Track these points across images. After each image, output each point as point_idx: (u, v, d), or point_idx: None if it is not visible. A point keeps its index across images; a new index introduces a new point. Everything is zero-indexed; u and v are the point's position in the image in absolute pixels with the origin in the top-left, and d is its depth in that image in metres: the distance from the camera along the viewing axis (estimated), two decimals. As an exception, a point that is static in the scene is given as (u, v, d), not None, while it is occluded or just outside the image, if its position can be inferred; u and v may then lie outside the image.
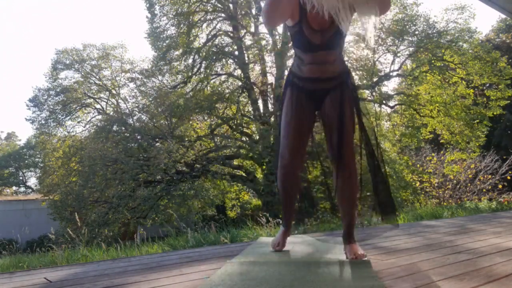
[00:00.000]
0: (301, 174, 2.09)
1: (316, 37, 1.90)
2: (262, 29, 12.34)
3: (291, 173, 1.98)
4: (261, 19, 12.31)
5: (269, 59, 12.27)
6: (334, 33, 1.92)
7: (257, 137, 11.97)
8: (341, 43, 2.02)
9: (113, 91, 14.38)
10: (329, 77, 1.97)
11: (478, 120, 10.67)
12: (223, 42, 12.67)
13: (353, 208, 1.95)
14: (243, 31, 12.43)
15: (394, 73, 11.78)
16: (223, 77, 13.07)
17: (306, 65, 1.98)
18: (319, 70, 1.96)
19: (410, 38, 10.88)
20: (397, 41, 10.90)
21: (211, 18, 12.64)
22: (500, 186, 8.56)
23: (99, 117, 13.93)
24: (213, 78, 12.89)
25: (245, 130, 12.32)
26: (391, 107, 12.34)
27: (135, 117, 12.53)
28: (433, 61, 10.99)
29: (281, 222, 2.22)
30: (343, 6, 1.80)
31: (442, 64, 10.98)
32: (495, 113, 10.81)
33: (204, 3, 12.38)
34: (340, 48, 2.05)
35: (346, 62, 2.18)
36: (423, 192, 9.94)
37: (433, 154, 9.96)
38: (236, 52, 12.10)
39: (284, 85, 2.09)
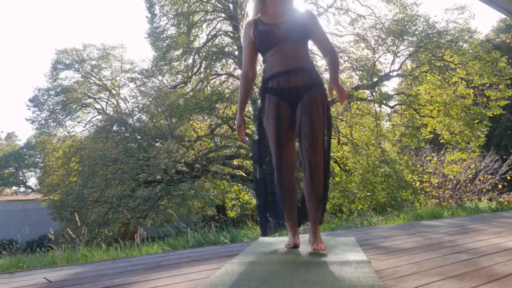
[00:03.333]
0: (297, 177, 2.14)
1: (275, 29, 2.06)
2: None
3: (290, 181, 2.06)
4: None
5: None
6: (291, 26, 2.06)
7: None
8: (304, 38, 2.12)
9: (113, 91, 14.38)
10: (300, 68, 2.04)
11: (478, 120, 10.66)
12: (223, 42, 12.67)
13: (319, 202, 2.04)
14: (243, 31, 12.41)
15: (394, 73, 11.77)
16: (223, 77, 13.06)
17: (273, 59, 2.07)
18: (285, 61, 2.04)
19: (410, 38, 10.87)
20: (397, 41, 10.89)
21: (211, 18, 12.63)
22: (500, 186, 8.56)
23: (99, 117, 13.93)
24: (213, 78, 12.89)
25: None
26: (391, 107, 12.34)
27: (135, 117, 12.53)
28: (433, 61, 10.98)
29: (287, 226, 2.24)
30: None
31: (442, 64, 10.97)
32: (495, 113, 10.79)
33: (204, 3, 12.37)
34: (306, 46, 2.15)
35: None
36: (423, 192, 9.94)
37: (433, 154, 9.96)
38: (236, 52, 12.10)
39: (260, 92, 2.18)
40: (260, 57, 2.22)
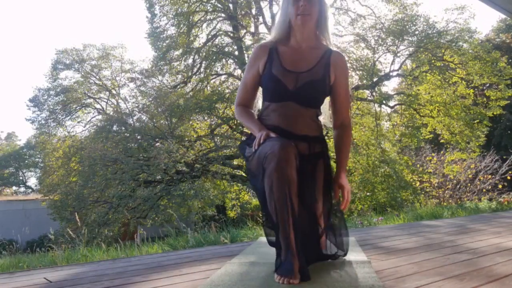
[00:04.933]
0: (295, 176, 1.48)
1: (289, 79, 1.63)
2: (262, 29, 12.36)
3: (286, 166, 1.42)
4: (260, 19, 12.33)
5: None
6: (311, 83, 1.63)
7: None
8: (318, 102, 1.70)
9: (113, 91, 14.39)
10: (305, 137, 1.64)
11: (478, 120, 10.66)
12: (223, 42, 12.68)
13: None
14: (243, 31, 12.43)
15: (394, 73, 11.78)
16: (223, 77, 13.07)
17: (273, 115, 1.67)
18: (289, 123, 1.64)
19: (410, 38, 10.87)
20: (397, 41, 10.89)
21: (211, 18, 12.64)
22: (500, 186, 8.56)
23: (99, 117, 13.95)
24: (213, 78, 12.90)
25: (245, 130, 12.32)
26: (391, 107, 12.34)
27: (135, 117, 12.54)
28: (433, 61, 10.98)
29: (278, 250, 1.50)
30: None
31: (442, 64, 10.97)
32: (495, 113, 10.80)
33: (204, 3, 12.38)
34: (318, 113, 1.72)
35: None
36: (423, 192, 9.94)
37: (433, 154, 9.96)
38: (236, 52, 12.11)
39: (246, 142, 1.73)
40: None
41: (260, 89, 1.78)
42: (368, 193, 10.61)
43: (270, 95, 1.69)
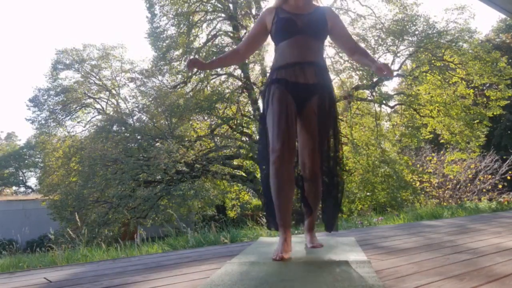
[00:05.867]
0: (295, 170, 1.98)
1: (295, 18, 2.00)
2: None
3: (285, 167, 1.83)
4: None
5: (269, 59, 12.28)
6: (313, 19, 2.01)
7: (257, 137, 11.94)
8: (322, 34, 2.05)
9: (113, 91, 14.39)
10: (313, 62, 1.97)
11: (478, 120, 10.66)
12: (223, 42, 12.66)
13: (317, 205, 2.07)
14: (243, 31, 12.43)
15: (394, 73, 11.77)
16: (223, 77, 13.06)
17: (287, 49, 2.00)
18: (300, 52, 1.97)
19: (410, 38, 10.87)
20: (397, 41, 10.89)
21: (211, 18, 12.63)
22: (500, 186, 8.57)
23: (99, 117, 13.94)
24: (213, 78, 12.88)
25: (245, 130, 12.32)
26: (391, 107, 12.34)
27: (135, 117, 12.53)
28: (433, 61, 10.98)
29: (274, 227, 1.99)
30: None
31: (442, 64, 10.97)
32: (495, 113, 10.79)
33: (204, 3, 12.38)
34: (322, 44, 2.07)
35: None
36: (423, 192, 9.94)
37: (433, 154, 9.97)
38: (236, 52, 12.08)
39: (266, 83, 2.08)
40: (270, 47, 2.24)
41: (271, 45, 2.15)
42: (368, 193, 10.61)
43: (282, 34, 2.01)
